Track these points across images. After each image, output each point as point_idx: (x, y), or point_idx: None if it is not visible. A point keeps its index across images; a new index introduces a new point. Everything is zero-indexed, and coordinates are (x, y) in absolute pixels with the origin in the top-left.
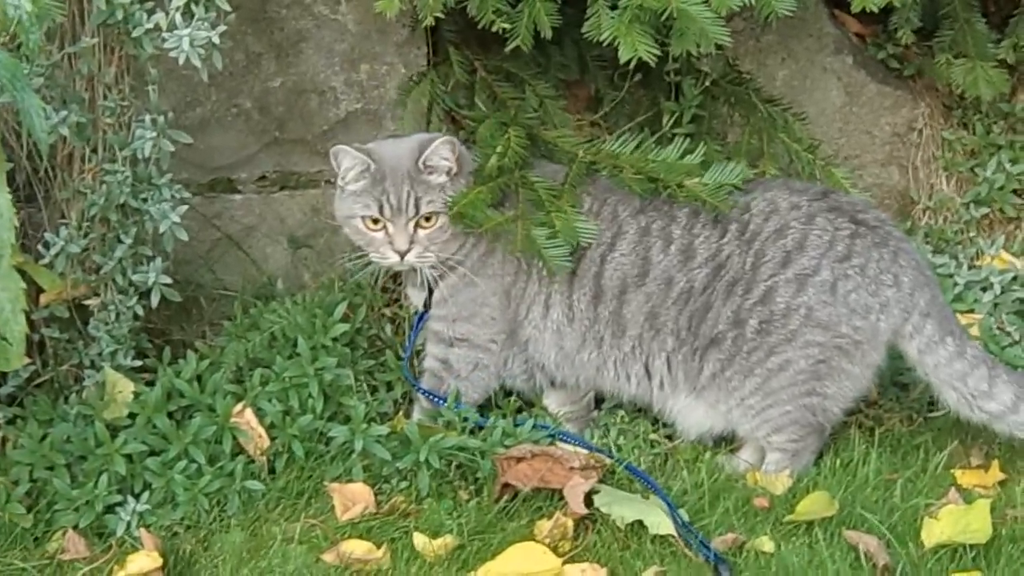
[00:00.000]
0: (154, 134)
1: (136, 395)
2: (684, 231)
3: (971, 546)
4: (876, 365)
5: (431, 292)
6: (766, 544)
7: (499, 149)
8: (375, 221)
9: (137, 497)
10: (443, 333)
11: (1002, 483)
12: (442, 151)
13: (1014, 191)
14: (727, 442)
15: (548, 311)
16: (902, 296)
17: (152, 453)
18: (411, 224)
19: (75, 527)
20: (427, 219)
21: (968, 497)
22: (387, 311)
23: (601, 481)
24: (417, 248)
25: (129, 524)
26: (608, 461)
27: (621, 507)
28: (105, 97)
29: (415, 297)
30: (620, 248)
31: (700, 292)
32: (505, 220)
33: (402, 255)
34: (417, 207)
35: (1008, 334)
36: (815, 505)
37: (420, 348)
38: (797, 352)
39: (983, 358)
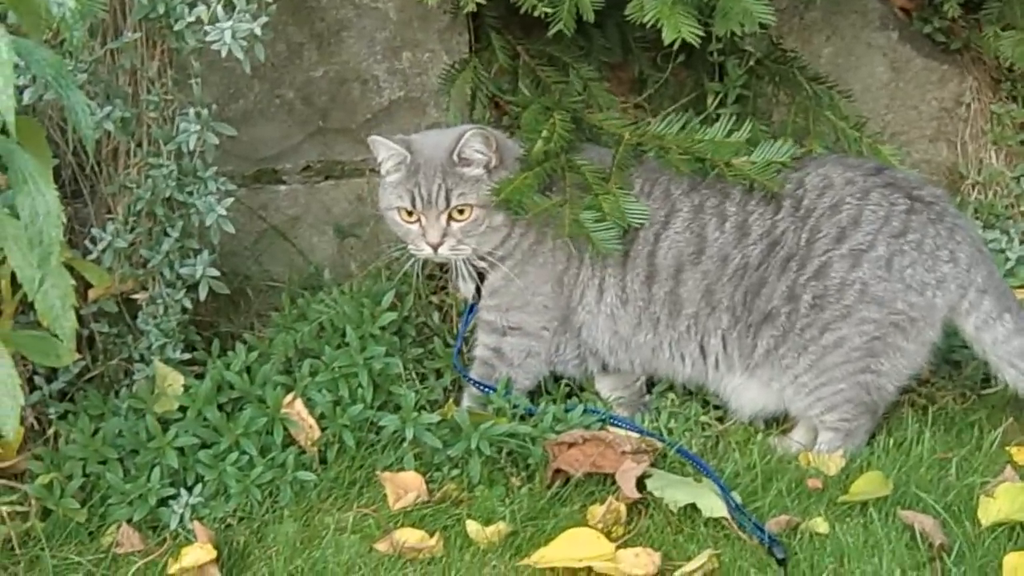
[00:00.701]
0: (198, 127)
1: (186, 388)
2: (739, 208)
3: None
4: (932, 342)
5: (480, 282)
6: (820, 525)
7: (544, 134)
8: (409, 213)
9: (190, 490)
10: (495, 323)
11: None
12: (475, 143)
13: None
14: (779, 423)
15: (602, 295)
16: (959, 272)
17: (204, 446)
18: (443, 217)
19: (129, 521)
20: (460, 211)
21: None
22: (434, 299)
23: (653, 465)
24: (450, 241)
25: (182, 517)
26: (660, 445)
27: (674, 491)
28: (148, 91)
29: (464, 288)
30: (674, 227)
31: (755, 268)
32: (552, 205)
33: (435, 248)
34: (448, 200)
35: None
36: (869, 485)
37: (468, 335)
38: (852, 329)
39: None
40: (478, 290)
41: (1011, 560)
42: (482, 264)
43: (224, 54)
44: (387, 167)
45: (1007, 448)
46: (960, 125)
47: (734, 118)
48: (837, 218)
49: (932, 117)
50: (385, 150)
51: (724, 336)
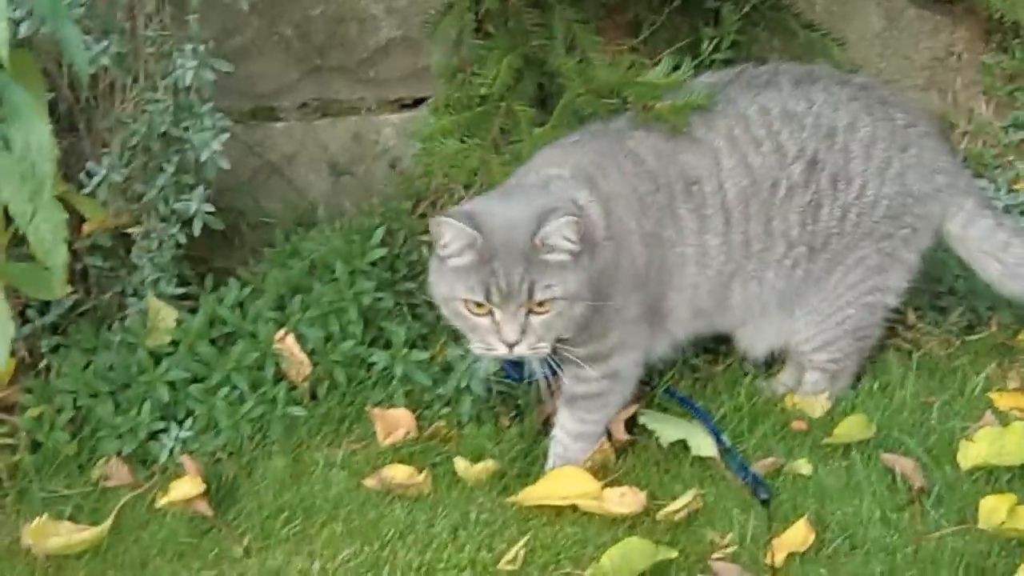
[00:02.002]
0: (195, 63)
1: (178, 322)
2: (766, 129)
3: (1007, 468)
4: (925, 249)
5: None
6: (803, 467)
7: (488, 78)
8: (479, 305)
9: (180, 424)
10: (598, 352)
11: None
12: (565, 230)
13: None
14: (768, 366)
15: (685, 268)
16: (949, 179)
17: (195, 380)
18: (522, 311)
19: (118, 454)
20: (541, 304)
21: (1004, 419)
22: (426, 236)
23: (647, 407)
24: (530, 338)
25: (172, 450)
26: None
27: (665, 427)
28: (146, 27)
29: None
30: (724, 164)
31: (802, 187)
32: (463, 149)
33: (511, 346)
34: (531, 292)
35: None
36: (852, 428)
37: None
38: (872, 246)
39: (1020, 228)
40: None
41: (988, 503)
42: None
43: None
44: (451, 250)
45: (989, 393)
46: (951, 75)
47: (726, 66)
48: (859, 136)
49: (924, 67)
50: (451, 232)
51: (777, 267)
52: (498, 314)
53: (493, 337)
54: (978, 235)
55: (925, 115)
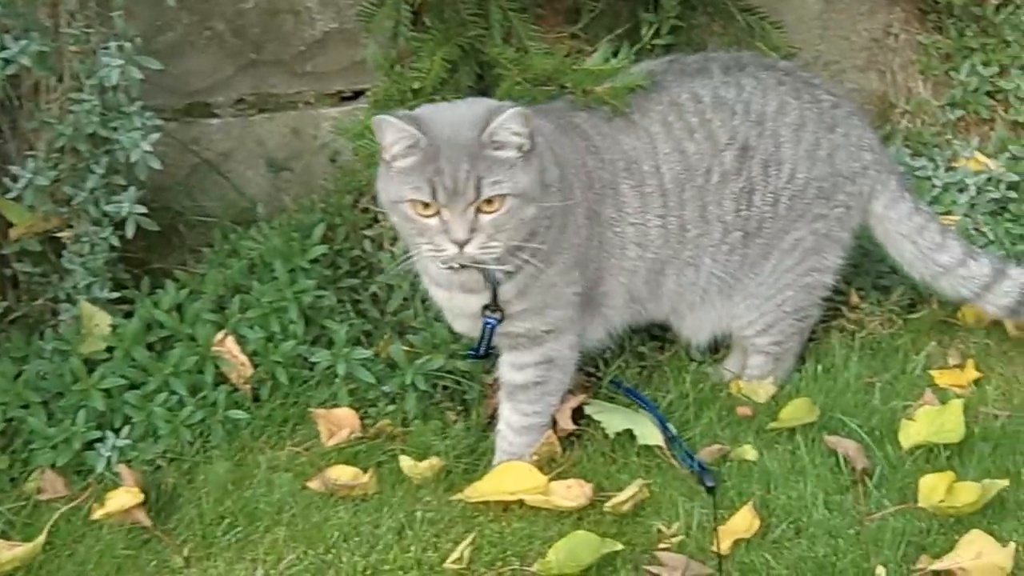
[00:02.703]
0: (121, 61)
1: (113, 328)
2: (698, 117)
3: (945, 446)
4: (857, 227)
5: (494, 290)
6: (749, 452)
7: (422, 71)
8: (426, 205)
9: (117, 432)
10: (534, 330)
11: (977, 382)
12: (512, 124)
13: (987, 93)
14: (713, 351)
15: (624, 252)
16: (875, 157)
17: (131, 386)
18: (471, 209)
19: (52, 466)
20: (490, 202)
21: (944, 397)
22: (368, 231)
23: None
24: (479, 237)
25: (109, 460)
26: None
27: (611, 417)
28: (69, 24)
29: (463, 301)
30: (661, 148)
31: (734, 175)
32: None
33: (461, 245)
34: (479, 189)
35: (983, 234)
36: (797, 412)
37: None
38: (807, 228)
39: (933, 215)
40: (486, 307)
41: (927, 482)
42: (501, 271)
43: None
44: (394, 152)
45: (930, 371)
46: (889, 55)
47: (667, 51)
48: (788, 120)
49: (863, 47)
50: (393, 132)
51: (713, 253)
52: (446, 213)
53: (442, 238)
54: (897, 216)
55: (847, 95)
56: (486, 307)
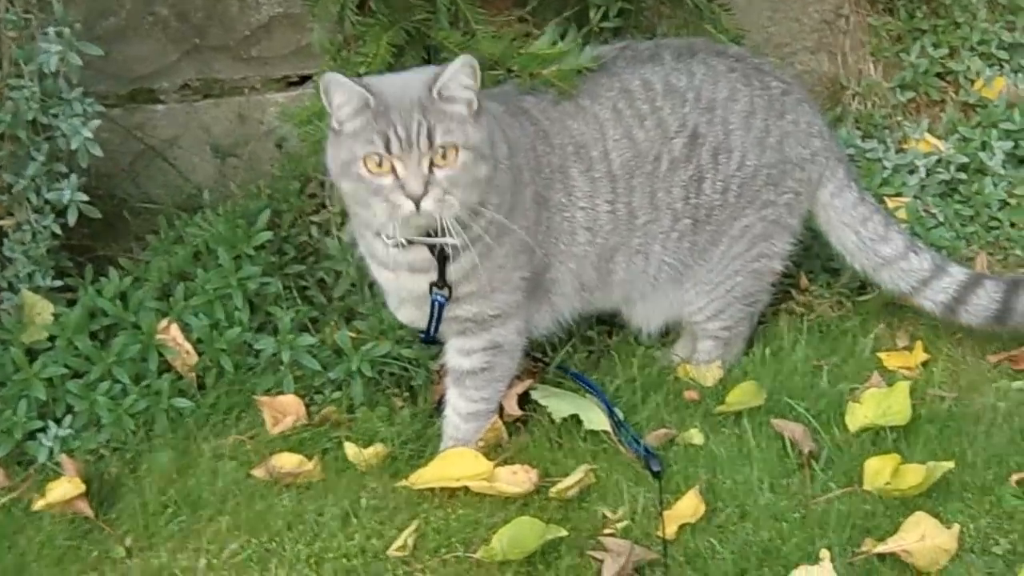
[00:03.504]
0: (59, 48)
1: (56, 316)
2: (649, 104)
3: (892, 428)
4: (806, 213)
5: (442, 275)
6: (695, 437)
7: (368, 56)
8: (379, 164)
9: (59, 422)
10: (482, 313)
11: (925, 363)
12: (462, 76)
13: (938, 74)
14: (664, 333)
15: (574, 237)
16: (824, 144)
17: (75, 375)
18: (425, 161)
19: None
20: (444, 156)
21: (891, 379)
22: (315, 217)
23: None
24: (435, 191)
25: (51, 451)
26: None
27: (558, 402)
28: (7, 10)
29: (411, 281)
30: (611, 135)
31: (683, 162)
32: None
33: (417, 200)
34: (431, 138)
35: (933, 216)
36: (744, 395)
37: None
38: (755, 214)
39: (878, 206)
40: (433, 284)
41: (872, 464)
42: (452, 243)
43: None
44: (343, 114)
45: (878, 354)
46: (840, 37)
47: (615, 34)
48: (738, 107)
49: (813, 29)
50: (342, 92)
51: (663, 240)
52: (400, 168)
53: (397, 194)
54: (842, 205)
55: (797, 82)
56: (433, 284)
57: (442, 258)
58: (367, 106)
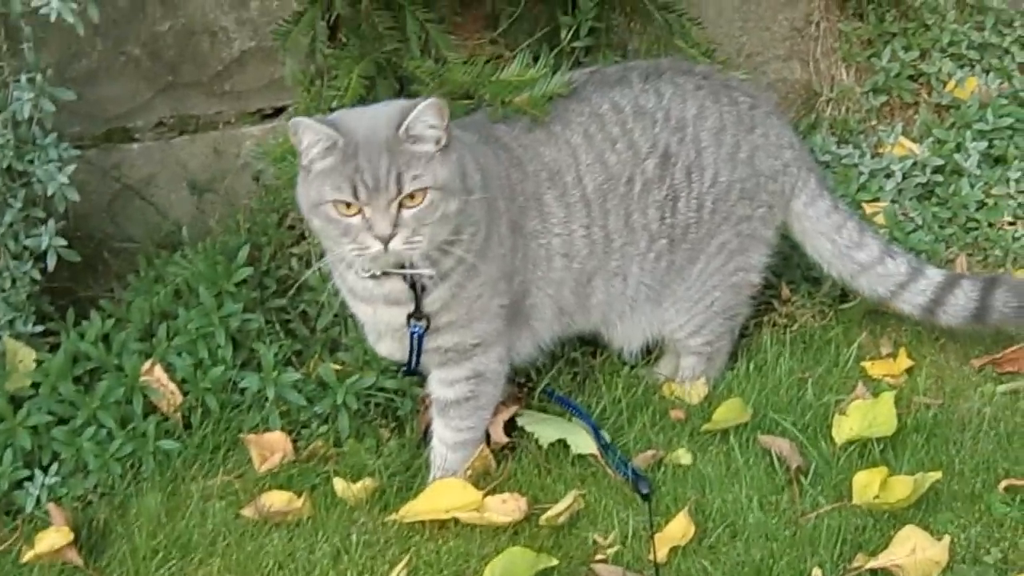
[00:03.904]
0: (32, 94)
1: (39, 363)
2: (620, 127)
3: (878, 439)
4: (780, 224)
5: (418, 307)
6: (683, 457)
7: (340, 89)
8: (348, 205)
9: (45, 470)
10: (462, 343)
11: (909, 370)
12: (428, 116)
13: (910, 77)
14: (646, 353)
15: (551, 263)
16: (795, 155)
17: (60, 422)
18: (394, 205)
19: None
20: (412, 197)
21: (876, 388)
22: (295, 249)
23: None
24: (403, 231)
25: (39, 499)
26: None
27: (544, 428)
28: None
29: (388, 314)
30: (583, 160)
31: (656, 183)
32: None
33: (386, 242)
34: (399, 183)
35: (911, 219)
36: (730, 413)
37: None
38: (731, 230)
39: (852, 213)
40: (411, 315)
41: (860, 478)
42: (428, 274)
43: (53, 19)
44: (313, 154)
45: (862, 363)
46: (811, 44)
47: (586, 53)
48: (708, 124)
49: (784, 37)
50: (310, 134)
51: (641, 261)
52: (368, 211)
53: (366, 235)
54: (815, 214)
55: (765, 95)
56: (411, 316)
57: (418, 289)
58: (336, 146)
